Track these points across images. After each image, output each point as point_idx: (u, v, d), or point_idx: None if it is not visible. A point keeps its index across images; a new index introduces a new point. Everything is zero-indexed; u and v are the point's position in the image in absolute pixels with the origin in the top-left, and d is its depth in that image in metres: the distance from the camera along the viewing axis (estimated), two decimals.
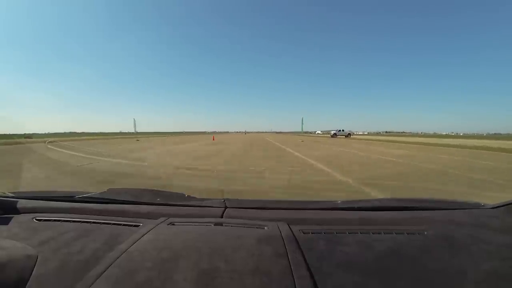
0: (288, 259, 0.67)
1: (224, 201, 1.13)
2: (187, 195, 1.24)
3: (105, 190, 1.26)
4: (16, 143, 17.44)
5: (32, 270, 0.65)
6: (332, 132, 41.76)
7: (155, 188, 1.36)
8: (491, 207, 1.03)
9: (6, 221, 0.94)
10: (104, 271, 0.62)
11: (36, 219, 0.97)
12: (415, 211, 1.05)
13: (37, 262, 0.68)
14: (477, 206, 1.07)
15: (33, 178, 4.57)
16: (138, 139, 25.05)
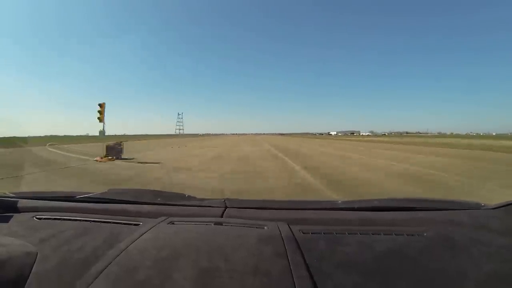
0: (288, 259, 0.70)
1: (224, 201, 1.17)
2: (187, 195, 1.30)
3: (106, 190, 1.31)
4: None
5: (32, 268, 0.67)
6: None
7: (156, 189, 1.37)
8: (491, 207, 1.06)
9: (6, 219, 0.99)
10: (104, 269, 0.65)
11: (36, 218, 1.02)
12: (415, 211, 1.09)
13: (36, 260, 0.71)
14: (477, 206, 1.11)
15: None
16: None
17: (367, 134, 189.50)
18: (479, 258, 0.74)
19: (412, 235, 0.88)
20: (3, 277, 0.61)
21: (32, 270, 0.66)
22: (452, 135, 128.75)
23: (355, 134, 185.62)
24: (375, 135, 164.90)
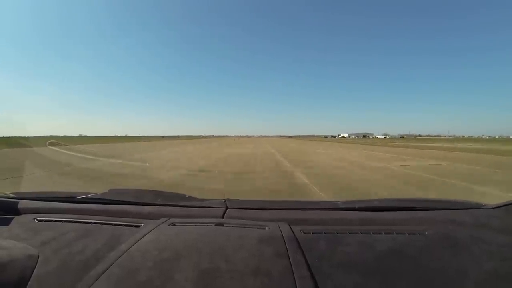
0: (289, 259, 0.71)
1: (225, 201, 1.18)
2: (188, 196, 1.31)
3: (106, 191, 1.32)
4: None
5: (33, 270, 0.68)
6: None
7: (156, 189, 1.42)
8: (491, 207, 1.07)
9: (7, 222, 0.99)
10: (105, 270, 0.65)
11: (37, 220, 1.03)
12: (416, 211, 1.10)
13: (38, 262, 0.71)
14: (477, 206, 1.11)
15: None
16: None
17: (383, 137, 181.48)
18: (480, 256, 0.76)
19: (413, 234, 0.89)
20: (4, 280, 0.62)
21: (33, 273, 0.67)
22: (464, 138, 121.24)
23: (371, 137, 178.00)
24: (394, 138, 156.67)
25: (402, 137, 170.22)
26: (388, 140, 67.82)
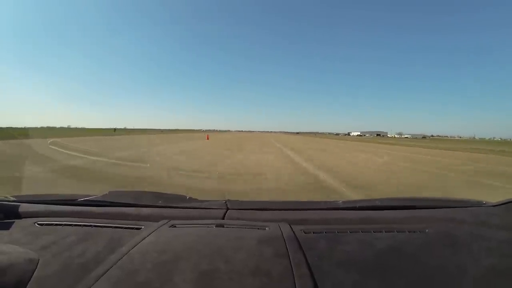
0: (289, 259, 0.72)
1: (225, 202, 1.19)
2: (188, 197, 1.32)
3: (106, 193, 1.33)
4: None
5: (33, 274, 0.69)
6: None
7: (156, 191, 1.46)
8: (491, 205, 1.08)
9: (7, 226, 0.99)
10: (105, 272, 0.66)
11: (38, 224, 1.03)
12: (416, 209, 1.10)
13: (38, 266, 0.72)
14: (477, 204, 1.12)
15: None
16: None
17: (404, 136, 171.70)
18: (479, 253, 0.76)
19: (414, 232, 0.90)
20: (3, 283, 0.62)
21: (33, 276, 0.68)
22: (477, 140, 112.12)
23: (389, 136, 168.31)
24: (415, 138, 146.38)
25: (424, 137, 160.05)
26: (420, 141, 53.00)
